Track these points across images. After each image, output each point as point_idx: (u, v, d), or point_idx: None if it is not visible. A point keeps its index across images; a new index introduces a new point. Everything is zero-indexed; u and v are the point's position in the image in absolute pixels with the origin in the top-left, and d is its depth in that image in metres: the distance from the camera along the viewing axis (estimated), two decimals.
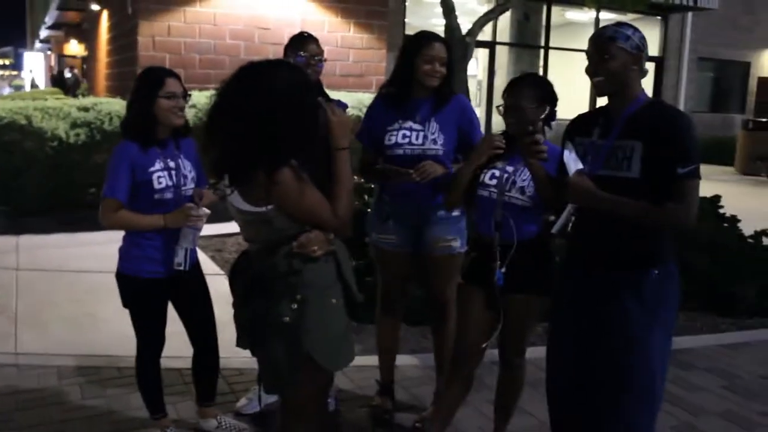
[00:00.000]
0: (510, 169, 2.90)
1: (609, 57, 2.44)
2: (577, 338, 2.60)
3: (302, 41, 3.39)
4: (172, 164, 2.99)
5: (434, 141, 3.30)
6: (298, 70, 2.33)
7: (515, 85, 2.92)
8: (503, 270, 2.85)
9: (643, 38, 2.47)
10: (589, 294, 2.55)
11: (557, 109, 2.92)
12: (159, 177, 2.95)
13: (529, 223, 2.88)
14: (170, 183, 2.97)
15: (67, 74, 25.34)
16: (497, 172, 2.91)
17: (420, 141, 3.31)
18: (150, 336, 3.13)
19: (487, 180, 2.94)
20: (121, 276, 3.05)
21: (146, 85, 2.95)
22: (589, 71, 2.51)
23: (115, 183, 2.90)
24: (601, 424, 2.55)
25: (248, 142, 2.14)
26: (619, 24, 2.51)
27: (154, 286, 3.02)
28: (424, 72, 3.26)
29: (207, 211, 2.98)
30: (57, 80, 25.82)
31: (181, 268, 3.01)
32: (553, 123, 2.93)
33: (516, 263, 2.86)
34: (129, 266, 3.01)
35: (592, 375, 2.56)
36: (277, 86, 2.16)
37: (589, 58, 2.52)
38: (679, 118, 2.43)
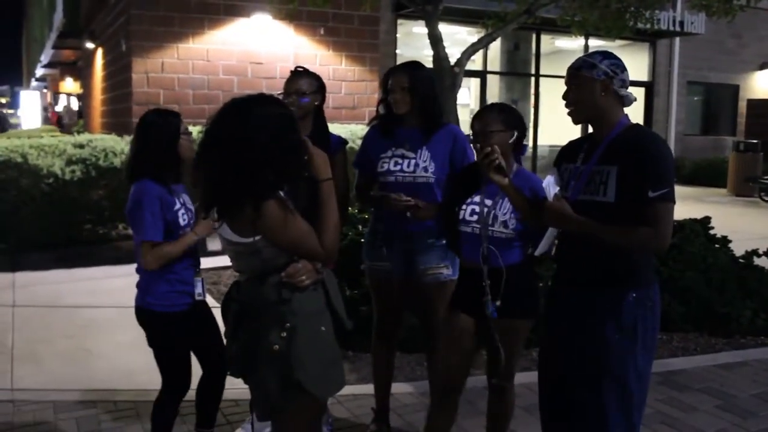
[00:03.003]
0: (489, 202, 2.94)
1: (575, 86, 2.52)
2: (560, 359, 2.64)
3: (290, 77, 3.44)
4: (182, 200, 3.09)
5: (425, 169, 3.38)
6: (279, 104, 2.38)
7: (482, 112, 2.99)
8: (498, 303, 2.88)
9: (614, 65, 2.50)
10: (570, 316, 2.59)
11: (526, 135, 2.98)
12: (182, 214, 3.04)
13: (513, 253, 2.92)
14: (187, 218, 3.07)
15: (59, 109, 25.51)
16: (476, 207, 2.95)
17: (411, 168, 3.38)
18: (178, 375, 3.12)
19: (467, 216, 2.98)
20: (147, 313, 3.04)
21: (168, 127, 3.02)
22: (564, 101, 2.59)
23: (154, 225, 2.93)
24: None
25: (231, 175, 2.19)
26: (591, 53, 2.56)
27: (182, 319, 3.04)
28: (391, 103, 3.38)
29: None
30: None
31: (201, 297, 3.08)
32: (526, 153, 3.00)
33: (504, 291, 2.89)
34: (159, 302, 3.01)
35: (575, 398, 2.58)
36: (256, 120, 2.23)
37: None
38: (651, 142, 2.46)
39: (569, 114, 2.59)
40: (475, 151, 2.90)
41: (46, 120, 29.88)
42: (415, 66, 3.47)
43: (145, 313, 3.06)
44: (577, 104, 2.54)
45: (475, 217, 2.95)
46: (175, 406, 3.17)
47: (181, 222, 3.03)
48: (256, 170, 2.19)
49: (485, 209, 2.93)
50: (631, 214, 2.39)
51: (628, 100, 2.55)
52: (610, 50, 2.61)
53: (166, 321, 3.02)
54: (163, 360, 3.11)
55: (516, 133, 2.91)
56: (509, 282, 2.89)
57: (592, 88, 2.49)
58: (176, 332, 3.06)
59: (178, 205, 3.03)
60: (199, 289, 3.07)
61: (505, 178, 2.72)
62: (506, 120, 2.91)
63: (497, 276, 2.88)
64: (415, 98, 3.36)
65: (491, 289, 2.89)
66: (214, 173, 2.23)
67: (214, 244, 3.04)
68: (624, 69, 2.53)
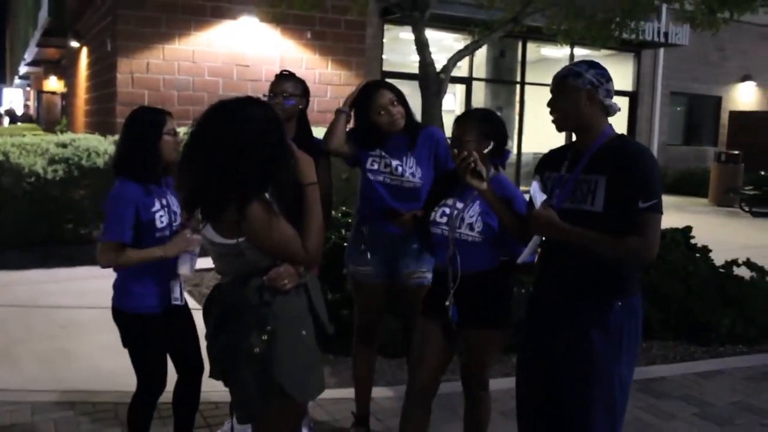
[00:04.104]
0: (460, 205, 2.93)
1: (560, 95, 2.53)
2: (542, 366, 2.64)
3: (276, 80, 3.45)
4: (164, 202, 3.02)
5: (412, 174, 3.41)
6: (266, 107, 2.38)
7: (462, 118, 2.99)
8: (454, 306, 2.88)
9: (599, 74, 2.51)
10: (554, 324, 2.59)
11: (509, 145, 2.97)
12: (161, 216, 2.98)
13: (480, 259, 2.90)
14: (167, 221, 3.00)
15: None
16: (447, 210, 2.95)
17: (399, 172, 3.42)
18: (153, 376, 3.09)
19: (438, 218, 2.98)
20: (121, 314, 3.02)
21: (151, 124, 2.97)
22: (549, 108, 2.61)
23: (121, 225, 2.88)
24: None
25: (215, 176, 2.19)
26: (577, 62, 2.57)
27: (155, 320, 3.00)
28: (383, 123, 3.38)
29: (199, 237, 2.98)
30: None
31: (179, 302, 3.02)
32: (508, 161, 3.00)
33: (469, 298, 2.89)
34: (130, 303, 2.98)
35: (556, 405, 2.59)
36: (242, 122, 2.23)
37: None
38: (640, 154, 2.46)
39: (553, 122, 2.59)
40: (452, 155, 2.90)
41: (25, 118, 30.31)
42: (383, 81, 3.54)
43: (119, 314, 3.03)
44: (561, 113, 2.55)
45: (445, 219, 2.95)
46: (151, 408, 3.14)
47: (158, 224, 2.96)
48: (240, 172, 2.19)
49: (455, 212, 2.93)
50: (619, 223, 2.39)
51: (613, 110, 2.55)
52: (593, 59, 2.62)
53: (140, 322, 2.99)
54: (138, 360, 3.08)
55: (492, 144, 2.89)
56: (473, 289, 2.89)
57: (577, 97, 2.50)
58: (150, 334, 3.02)
59: (156, 207, 2.97)
60: (176, 294, 3.02)
61: (483, 183, 2.72)
62: (484, 129, 2.90)
63: (462, 281, 2.88)
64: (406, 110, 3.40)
65: (455, 293, 2.89)
66: (199, 174, 2.23)
67: (183, 268, 2.98)
68: (609, 79, 2.53)
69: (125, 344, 3.06)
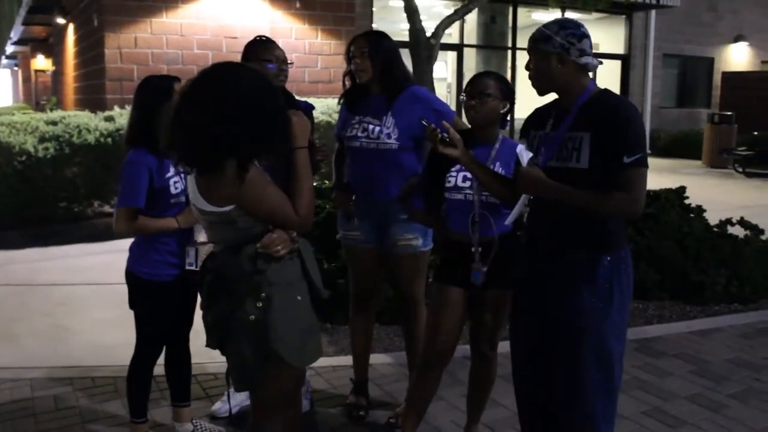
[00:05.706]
0: None
1: (534, 59, 2.54)
2: (533, 325, 2.64)
3: (266, 47, 3.35)
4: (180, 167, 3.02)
5: (388, 135, 3.35)
6: (261, 75, 2.33)
7: (481, 75, 3.01)
8: (484, 269, 2.89)
9: (570, 34, 2.47)
10: (543, 281, 2.59)
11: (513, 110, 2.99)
12: (175, 182, 3.00)
13: (503, 221, 2.87)
14: (182, 186, 3.02)
15: None
16: (469, 174, 2.90)
17: (375, 135, 3.37)
18: (155, 340, 3.14)
19: (459, 183, 2.94)
20: (135, 278, 3.05)
21: (161, 92, 2.95)
22: (528, 72, 2.61)
23: (137, 191, 2.91)
24: (561, 412, 2.59)
25: (212, 137, 2.15)
26: (549, 23, 2.54)
27: (170, 288, 3.03)
28: (354, 72, 3.39)
29: None
30: None
31: (193, 267, 3.04)
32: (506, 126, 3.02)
33: (496, 260, 2.91)
34: (146, 270, 3.01)
35: (550, 364, 2.60)
36: (241, 89, 2.18)
37: None
38: (621, 108, 2.44)
39: (533, 85, 2.59)
40: (465, 109, 2.93)
41: None
42: (375, 33, 3.50)
43: (133, 278, 3.05)
44: (537, 76, 2.55)
45: (468, 183, 2.92)
46: (149, 373, 3.17)
47: (173, 190, 2.99)
48: (235, 136, 2.15)
49: None
50: (604, 179, 2.38)
51: (592, 66, 2.52)
52: (584, 22, 2.59)
53: (153, 289, 3.02)
54: (143, 324, 3.11)
55: (508, 105, 2.94)
56: (500, 251, 2.90)
57: (549, 60, 2.49)
58: (161, 301, 3.04)
59: (171, 173, 2.98)
60: (191, 259, 3.04)
61: (457, 150, 2.74)
62: (503, 89, 2.94)
63: (487, 244, 2.89)
64: (376, 64, 3.34)
65: (481, 256, 2.89)
66: (193, 132, 2.16)
67: (201, 236, 3.01)
68: (582, 37, 2.49)
69: (133, 306, 3.09)
